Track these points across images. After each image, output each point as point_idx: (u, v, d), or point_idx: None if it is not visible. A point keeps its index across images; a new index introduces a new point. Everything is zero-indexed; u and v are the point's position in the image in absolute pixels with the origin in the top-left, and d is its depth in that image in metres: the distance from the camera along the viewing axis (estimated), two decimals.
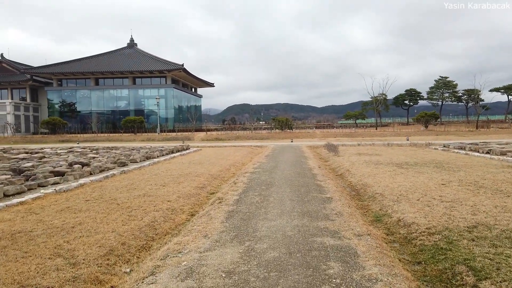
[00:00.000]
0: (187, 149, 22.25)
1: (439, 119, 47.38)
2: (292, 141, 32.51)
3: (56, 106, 60.84)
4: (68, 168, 11.58)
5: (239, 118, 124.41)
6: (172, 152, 19.44)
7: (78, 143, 35.12)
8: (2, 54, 61.18)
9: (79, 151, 18.83)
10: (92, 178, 10.66)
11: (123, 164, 13.66)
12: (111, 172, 11.96)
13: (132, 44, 66.18)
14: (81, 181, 10.17)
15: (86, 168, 11.73)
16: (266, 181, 9.90)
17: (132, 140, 39.11)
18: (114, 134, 44.64)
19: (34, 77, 59.39)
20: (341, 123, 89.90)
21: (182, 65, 56.12)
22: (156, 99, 48.09)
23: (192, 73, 63.84)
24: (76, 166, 12.06)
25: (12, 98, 59.91)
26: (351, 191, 9.51)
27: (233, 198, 7.70)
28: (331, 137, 36.83)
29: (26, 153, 17.75)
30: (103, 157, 15.57)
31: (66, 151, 19.07)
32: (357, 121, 76.50)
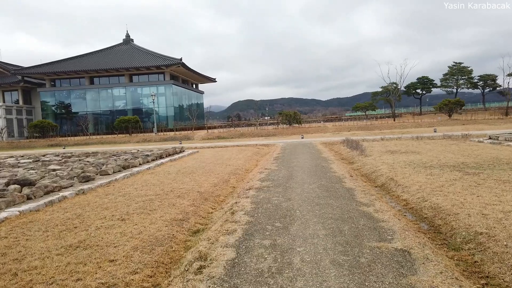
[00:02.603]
0: (180, 152, 18.79)
1: (463, 107, 43.25)
2: (302, 137, 28.94)
3: (50, 108, 57.72)
4: None
5: (244, 114, 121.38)
6: (161, 157, 16.00)
7: (64, 148, 31.82)
8: None
9: (47, 160, 15.45)
10: (25, 207, 7.24)
11: (87, 179, 10.23)
12: (62, 193, 8.52)
13: (128, 40, 62.87)
14: (3, 214, 6.77)
15: (25, 190, 8.33)
16: (281, 208, 6.38)
17: (127, 141, 35.80)
18: (107, 136, 41.35)
19: (26, 78, 56.32)
20: (349, 116, 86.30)
21: (181, 59, 52.61)
22: (152, 96, 44.65)
23: (197, 70, 60.50)
24: (13, 187, 8.65)
25: (4, 101, 56.91)
26: (414, 218, 5.99)
27: (225, 257, 4.20)
28: (345, 131, 33.20)
29: None
30: (67, 168, 12.16)
31: (31, 160, 15.69)
32: (367, 113, 72.88)
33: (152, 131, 44.03)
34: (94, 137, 40.57)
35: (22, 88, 57.48)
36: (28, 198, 7.97)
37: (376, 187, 8.95)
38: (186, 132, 40.86)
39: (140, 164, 13.76)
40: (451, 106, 37.39)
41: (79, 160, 15.05)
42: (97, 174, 11.33)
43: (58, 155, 18.04)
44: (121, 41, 62.99)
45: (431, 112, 70.36)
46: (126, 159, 14.16)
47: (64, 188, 9.25)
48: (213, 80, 72.89)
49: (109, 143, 35.36)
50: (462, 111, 43.61)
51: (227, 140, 32.06)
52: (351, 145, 17.58)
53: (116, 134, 41.82)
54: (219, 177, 10.94)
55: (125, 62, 54.98)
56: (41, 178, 10.18)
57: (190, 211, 6.90)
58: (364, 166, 11.91)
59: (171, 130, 44.53)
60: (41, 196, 8.25)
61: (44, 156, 18.55)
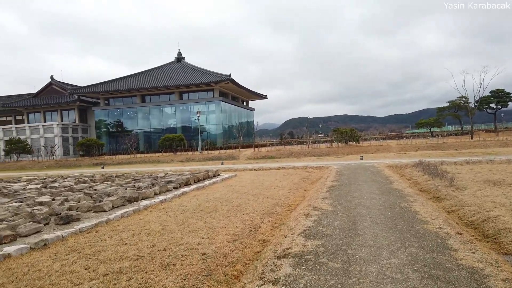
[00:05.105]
0: (214, 176, 15.81)
1: None
2: (361, 158, 24.82)
3: (104, 126, 58.45)
4: None
5: (297, 132, 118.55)
6: (187, 184, 13.07)
7: (102, 168, 30.46)
8: (52, 76, 60.65)
9: (55, 186, 13.15)
10: None
11: (68, 221, 7.45)
12: (7, 248, 5.76)
13: (179, 58, 62.65)
14: None
15: None
16: None
17: (170, 161, 33.85)
18: (152, 155, 39.92)
19: (81, 98, 57.72)
20: (411, 133, 79.27)
21: (230, 75, 50.77)
22: (197, 113, 42.91)
23: (250, 87, 58.82)
24: None
25: (62, 120, 58.71)
26: None
27: None
28: (412, 151, 28.45)
29: None
30: (58, 200, 9.54)
31: (39, 186, 13.51)
32: (432, 130, 66.28)
33: (196, 150, 42.03)
34: (138, 156, 39.33)
35: (78, 107, 58.99)
36: None
37: (506, 254, 5.13)
38: (232, 150, 38.22)
39: (155, 194, 10.89)
40: None
41: (90, 187, 12.56)
42: (89, 211, 8.58)
43: (75, 178, 15.89)
44: (173, 60, 62.95)
45: (508, 129, 62.22)
46: (139, 188, 11.37)
47: (24, 236, 6.51)
48: (264, 96, 70.57)
49: (152, 163, 33.63)
50: None
51: (274, 160, 28.75)
52: (430, 171, 13.50)
53: (161, 152, 40.32)
54: (247, 220, 7.66)
55: (175, 80, 54.33)
56: (6, 219, 7.56)
57: None
58: (463, 207, 7.99)
59: (216, 149, 42.24)
60: None
61: (66, 178, 16.53)
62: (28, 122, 59.46)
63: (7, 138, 51.22)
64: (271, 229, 7.21)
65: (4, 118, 63.98)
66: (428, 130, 66.17)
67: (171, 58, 63.93)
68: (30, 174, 24.88)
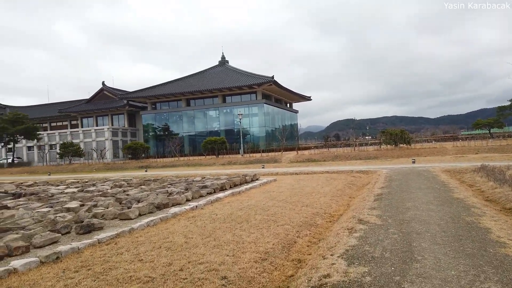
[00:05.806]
0: (251, 181, 15.00)
1: None
2: (414, 162, 22.89)
3: (151, 130, 59.98)
4: None
5: (343, 134, 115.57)
6: (222, 189, 12.37)
7: (146, 171, 30.81)
8: (103, 82, 63.27)
9: (91, 190, 13.00)
10: None
11: (89, 229, 6.96)
12: (15, 262, 5.31)
13: (223, 62, 62.98)
14: None
15: None
16: None
17: (212, 164, 33.64)
18: (195, 158, 40.03)
19: (130, 102, 59.66)
20: (467, 134, 73.82)
21: (272, 77, 50.05)
22: (239, 115, 42.48)
23: (296, 90, 57.96)
24: None
25: (112, 124, 61.09)
26: None
27: None
28: (471, 153, 25.93)
29: None
30: (87, 206, 9.16)
31: (77, 190, 13.46)
32: (491, 131, 61.27)
33: (239, 152, 41.61)
34: (182, 159, 39.60)
35: (127, 111, 61.02)
36: None
37: None
38: (274, 153, 37.34)
39: (187, 200, 10.26)
40: None
41: (123, 191, 12.23)
42: (115, 218, 8.08)
43: (114, 182, 15.80)
44: (217, 63, 63.36)
45: None
46: (170, 194, 10.81)
47: (38, 247, 6.05)
48: (307, 98, 69.05)
49: (194, 166, 33.61)
50: None
51: (318, 163, 27.46)
52: (495, 177, 11.78)
53: (204, 155, 40.35)
54: (281, 233, 6.73)
55: (219, 83, 54.53)
56: (27, 226, 7.21)
57: None
58: None
59: (258, 152, 41.56)
60: None
61: (105, 182, 16.53)
62: (82, 127, 62.48)
63: (62, 142, 54.04)
64: (308, 246, 6.23)
65: (61, 123, 67.85)
66: (487, 131, 61.29)
67: (215, 62, 64.33)
68: (78, 177, 25.60)
